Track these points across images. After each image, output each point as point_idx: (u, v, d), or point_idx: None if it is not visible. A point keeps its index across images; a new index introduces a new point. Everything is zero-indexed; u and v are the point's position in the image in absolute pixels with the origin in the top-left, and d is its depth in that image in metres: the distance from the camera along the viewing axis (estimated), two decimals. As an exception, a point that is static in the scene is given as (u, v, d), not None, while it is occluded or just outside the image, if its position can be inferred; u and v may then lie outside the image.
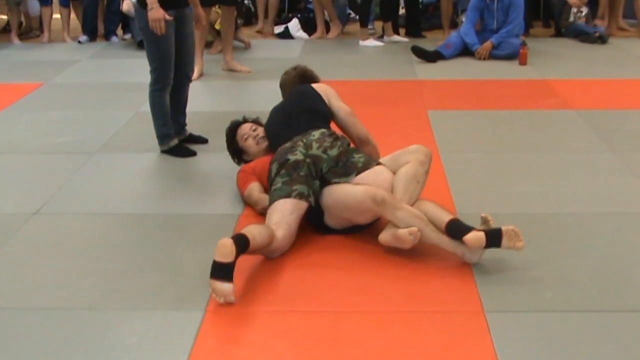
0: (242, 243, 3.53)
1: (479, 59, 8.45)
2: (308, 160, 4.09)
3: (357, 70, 8.06)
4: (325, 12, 10.14)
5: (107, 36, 10.02)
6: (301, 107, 4.55)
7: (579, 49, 9.02)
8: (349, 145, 4.35)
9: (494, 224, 3.74)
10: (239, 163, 4.85)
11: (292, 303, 3.48)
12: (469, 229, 3.69)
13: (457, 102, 6.78)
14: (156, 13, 4.93)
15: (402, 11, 10.31)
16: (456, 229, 3.73)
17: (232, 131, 4.86)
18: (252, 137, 4.76)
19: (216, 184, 4.87)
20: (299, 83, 4.83)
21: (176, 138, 5.41)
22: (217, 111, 5.81)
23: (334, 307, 3.44)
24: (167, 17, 4.96)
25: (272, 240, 3.75)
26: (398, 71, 7.99)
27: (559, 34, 9.91)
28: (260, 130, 4.78)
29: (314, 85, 4.69)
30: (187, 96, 5.58)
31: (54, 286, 3.65)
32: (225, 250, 3.45)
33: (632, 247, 3.96)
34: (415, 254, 3.82)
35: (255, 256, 3.79)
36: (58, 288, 3.63)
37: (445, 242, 3.76)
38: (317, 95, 4.59)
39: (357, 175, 4.08)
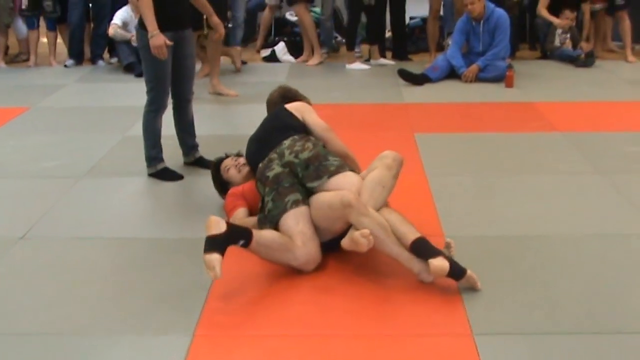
0: (237, 228, 3.80)
1: (466, 81, 8.49)
2: (286, 169, 4.13)
3: (343, 94, 8.08)
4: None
5: (93, 60, 10.01)
6: (273, 125, 4.57)
7: (565, 72, 9.07)
8: (323, 147, 4.34)
9: (455, 252, 3.77)
10: (222, 195, 4.87)
11: (280, 327, 3.47)
12: (435, 253, 3.68)
13: (444, 125, 6.80)
14: (157, 40, 4.94)
15: (388, 34, 10.36)
16: (423, 250, 3.72)
17: (216, 166, 4.93)
18: (233, 166, 4.84)
19: (204, 208, 4.86)
20: (280, 103, 4.80)
21: (164, 162, 5.41)
22: (203, 135, 5.80)
23: (322, 330, 3.43)
24: (168, 42, 4.98)
25: (289, 248, 3.84)
26: (385, 94, 8.01)
27: (545, 56, 9.97)
28: (242, 160, 4.85)
29: (288, 105, 4.66)
30: (191, 117, 5.59)
31: (40, 311, 3.63)
32: (211, 224, 3.71)
33: (620, 268, 3.97)
34: (402, 275, 3.82)
35: (245, 280, 3.80)
36: (43, 313, 3.61)
37: (404, 257, 3.76)
38: (289, 114, 4.58)
39: (329, 178, 4.06)
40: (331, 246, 4.04)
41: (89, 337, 3.41)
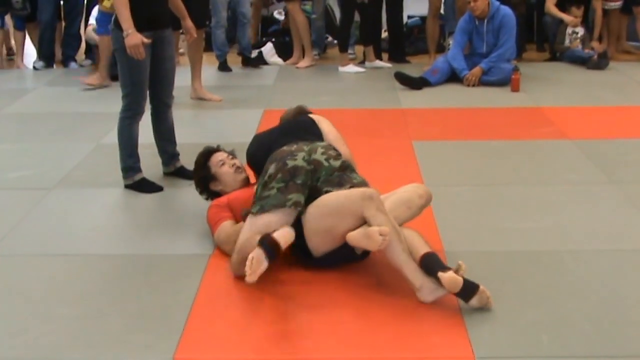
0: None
1: (468, 85, 8.51)
2: (309, 167, 4.17)
3: (336, 99, 8.10)
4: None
5: (65, 62, 10.03)
6: (296, 126, 4.69)
7: (576, 74, 9.11)
8: (350, 165, 4.40)
9: (465, 273, 3.76)
10: (202, 193, 4.85)
11: (267, 351, 3.47)
12: (446, 268, 3.73)
13: (444, 132, 6.83)
14: (133, 39, 4.94)
15: (384, 34, 10.39)
16: (433, 263, 3.78)
17: (206, 156, 4.85)
18: (229, 164, 4.78)
19: (185, 221, 4.87)
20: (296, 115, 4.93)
21: (141, 173, 5.42)
22: (184, 143, 5.80)
23: (313, 354, 3.44)
24: (145, 40, 4.98)
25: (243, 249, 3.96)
26: (380, 99, 8.03)
27: (554, 57, 10.00)
28: (238, 162, 4.83)
29: (314, 117, 4.81)
30: (171, 123, 5.61)
31: (8, 334, 3.63)
32: (287, 235, 3.89)
33: (635, 286, 3.98)
34: (400, 295, 3.83)
35: (227, 301, 3.81)
36: (12, 336, 3.60)
37: (409, 268, 3.80)
38: (311, 121, 4.73)
39: (350, 188, 4.11)
40: (324, 264, 4.07)
41: (60, 362, 3.41)
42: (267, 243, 3.78)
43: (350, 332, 3.58)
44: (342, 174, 4.23)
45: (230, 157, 4.86)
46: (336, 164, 4.26)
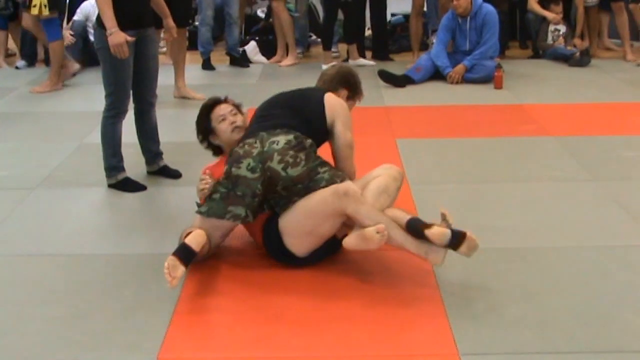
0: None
1: (451, 83, 8.54)
2: (253, 175, 3.99)
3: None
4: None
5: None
6: (291, 103, 4.51)
7: (559, 71, 9.15)
8: (315, 158, 4.18)
9: (452, 221, 3.88)
10: (202, 142, 4.75)
11: (252, 349, 3.47)
12: (430, 225, 3.83)
13: (428, 129, 6.84)
14: (116, 38, 4.93)
15: (368, 32, 10.40)
16: (417, 225, 3.86)
17: (209, 107, 4.71)
18: (229, 121, 4.62)
19: (168, 220, 4.87)
20: (332, 83, 4.77)
21: (124, 172, 5.40)
22: (168, 142, 5.80)
23: (298, 353, 3.44)
24: (129, 38, 4.97)
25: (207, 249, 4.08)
26: (364, 97, 8.01)
27: (536, 55, 10.04)
28: (240, 119, 4.65)
29: (328, 96, 4.52)
30: (154, 122, 5.60)
31: (-10, 335, 3.62)
32: (198, 238, 3.92)
33: (618, 283, 4.00)
34: (383, 292, 3.84)
35: (211, 299, 3.81)
36: (-6, 337, 3.60)
37: (409, 242, 3.87)
38: (319, 106, 4.46)
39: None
40: (309, 261, 4.09)
41: (43, 362, 3.40)
42: (180, 249, 3.89)
43: (333, 330, 3.58)
44: (308, 183, 4.04)
45: (234, 112, 4.68)
46: (294, 172, 4.02)
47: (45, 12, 7.93)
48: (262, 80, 8.97)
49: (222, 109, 4.67)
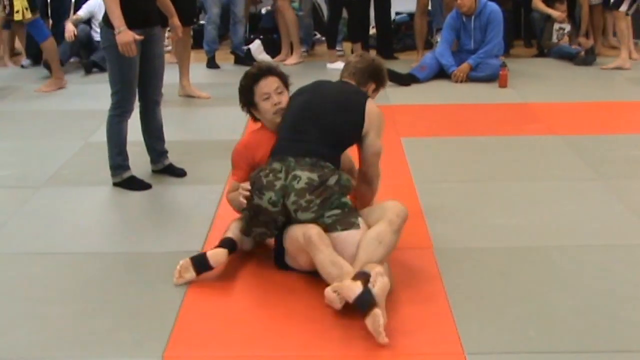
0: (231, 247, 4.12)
1: (456, 81, 8.53)
2: (274, 209, 3.99)
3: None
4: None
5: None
6: (330, 117, 4.30)
7: (564, 70, 9.14)
8: (331, 201, 4.02)
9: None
10: (242, 108, 4.53)
11: (257, 347, 3.47)
12: (370, 310, 3.50)
13: (433, 128, 6.84)
14: (125, 36, 4.94)
15: (372, 31, 10.39)
16: (363, 305, 3.54)
17: (254, 78, 4.44)
18: (272, 102, 4.37)
19: (173, 219, 4.87)
20: (364, 77, 4.56)
21: (130, 170, 5.42)
22: (173, 140, 5.80)
23: (303, 351, 3.44)
24: (137, 37, 4.98)
25: None
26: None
27: (541, 53, 10.03)
28: (284, 100, 4.41)
29: (369, 107, 4.35)
30: (160, 121, 5.60)
31: (-4, 333, 3.63)
32: (220, 257, 4.04)
33: (622, 281, 4.00)
34: (388, 293, 3.84)
35: (216, 299, 3.82)
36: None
37: (334, 277, 3.74)
38: (360, 117, 4.31)
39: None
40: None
41: (49, 361, 3.41)
42: (198, 257, 4.05)
43: (339, 328, 3.58)
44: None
45: (279, 90, 4.42)
46: (302, 216, 3.96)
47: (28, 14, 8.00)
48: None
49: (268, 85, 4.40)
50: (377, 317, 3.42)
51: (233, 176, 4.39)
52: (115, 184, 5.39)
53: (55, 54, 8.40)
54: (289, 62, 9.79)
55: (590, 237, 4.55)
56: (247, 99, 4.45)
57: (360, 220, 4.00)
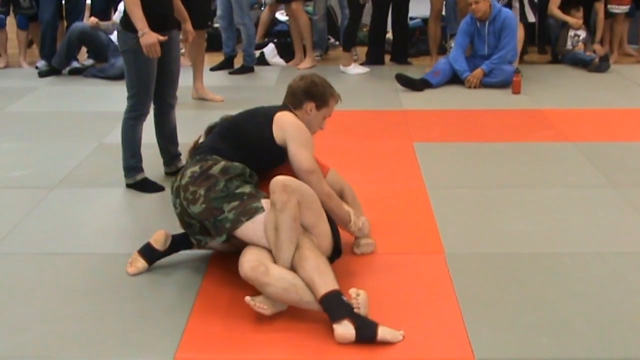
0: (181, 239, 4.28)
1: (469, 87, 8.51)
2: (177, 210, 4.11)
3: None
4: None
5: (67, 61, 10.01)
6: (236, 127, 4.31)
7: (578, 77, 9.11)
8: (221, 189, 3.91)
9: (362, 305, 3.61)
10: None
11: (268, 351, 3.49)
12: (341, 315, 3.52)
13: (446, 133, 6.83)
14: (149, 38, 4.96)
15: (388, 35, 10.38)
16: (331, 308, 3.56)
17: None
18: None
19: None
20: (297, 99, 4.36)
21: (143, 173, 5.44)
22: (186, 143, 5.79)
23: (315, 355, 3.45)
24: (161, 38, 4.99)
25: None
26: (382, 100, 8.04)
27: (555, 60, 10.00)
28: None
29: (280, 117, 4.23)
30: (174, 124, 5.63)
31: (9, 332, 3.64)
32: (157, 238, 4.25)
33: (635, 289, 3.99)
34: (401, 296, 3.84)
35: (228, 302, 3.83)
36: (11, 335, 3.62)
37: (316, 309, 3.63)
38: (265, 120, 4.23)
39: (229, 234, 3.89)
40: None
41: (61, 361, 3.43)
42: (143, 247, 4.26)
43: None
44: (214, 222, 3.88)
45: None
46: (195, 209, 3.92)
47: None
48: (280, 83, 8.97)
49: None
50: (385, 334, 3.48)
51: None
52: (128, 186, 5.41)
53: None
54: (302, 66, 9.78)
55: (603, 244, 4.54)
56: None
57: (262, 202, 3.88)
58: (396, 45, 10.12)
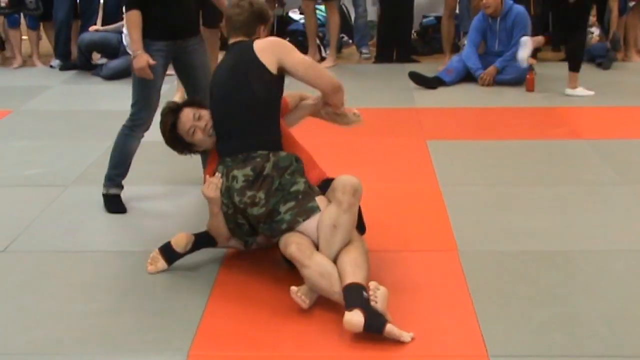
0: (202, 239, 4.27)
1: (482, 84, 8.50)
2: (229, 211, 4.06)
3: (350, 97, 7.89)
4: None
5: (80, 61, 10.03)
6: (239, 98, 4.11)
7: (591, 74, 9.06)
8: (275, 189, 3.94)
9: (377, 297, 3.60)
10: (184, 153, 4.44)
11: (282, 347, 3.49)
12: (353, 305, 3.52)
13: (459, 131, 6.83)
14: (139, 62, 4.80)
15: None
16: (347, 297, 3.59)
17: (171, 128, 4.26)
18: (199, 128, 4.21)
19: (200, 220, 4.87)
20: (251, 27, 4.25)
21: (119, 189, 5.22)
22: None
23: (328, 352, 3.46)
24: (151, 61, 4.83)
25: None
26: (395, 98, 8.03)
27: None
28: (206, 116, 4.24)
29: (257, 49, 4.10)
30: None
31: (22, 329, 3.66)
32: (178, 241, 4.23)
33: (649, 287, 3.99)
34: (414, 294, 3.85)
35: (242, 299, 3.85)
36: (26, 331, 3.64)
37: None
38: (260, 66, 4.09)
39: (283, 234, 3.92)
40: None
41: (75, 358, 3.44)
42: (165, 246, 4.24)
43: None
44: (271, 223, 3.93)
45: (197, 116, 4.22)
46: (254, 212, 3.95)
47: None
48: (293, 81, 8.95)
49: (185, 122, 4.23)
50: (392, 332, 3.46)
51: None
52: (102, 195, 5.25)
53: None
54: (324, 66, 9.77)
55: (616, 242, 4.53)
56: (181, 147, 4.36)
57: (317, 200, 3.93)
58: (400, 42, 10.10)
